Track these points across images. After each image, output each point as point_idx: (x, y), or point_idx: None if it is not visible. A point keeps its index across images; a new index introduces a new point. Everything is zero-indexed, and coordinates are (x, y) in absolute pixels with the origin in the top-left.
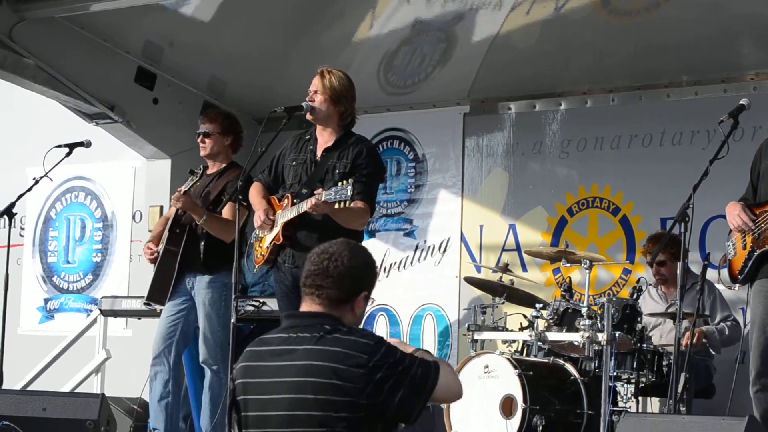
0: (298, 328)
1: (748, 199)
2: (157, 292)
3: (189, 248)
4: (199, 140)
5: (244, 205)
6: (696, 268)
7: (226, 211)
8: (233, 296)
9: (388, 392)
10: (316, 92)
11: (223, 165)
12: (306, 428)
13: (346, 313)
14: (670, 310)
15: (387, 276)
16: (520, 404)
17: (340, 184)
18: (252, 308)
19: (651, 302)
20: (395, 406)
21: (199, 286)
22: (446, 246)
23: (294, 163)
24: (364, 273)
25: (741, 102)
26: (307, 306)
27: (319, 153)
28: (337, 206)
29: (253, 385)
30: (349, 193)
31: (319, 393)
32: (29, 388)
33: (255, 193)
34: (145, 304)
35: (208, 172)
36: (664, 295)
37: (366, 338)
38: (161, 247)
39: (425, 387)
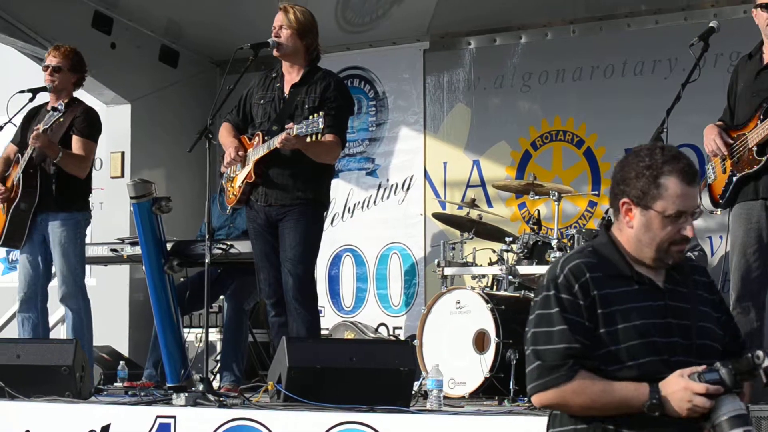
0: None
1: (726, 122)
2: (14, 236)
3: (43, 188)
4: (47, 73)
5: (91, 140)
6: None
7: (77, 147)
8: (206, 237)
9: None
10: (281, 27)
11: (66, 101)
12: None
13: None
14: None
15: (351, 216)
16: (493, 339)
17: (310, 117)
18: (219, 251)
19: None
20: None
21: (53, 225)
22: (410, 184)
23: (262, 101)
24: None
25: (711, 24)
26: None
27: (286, 90)
28: (308, 140)
29: None
30: (321, 126)
31: None
32: None
33: (225, 134)
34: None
35: (48, 107)
36: None
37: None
38: (20, 191)
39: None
